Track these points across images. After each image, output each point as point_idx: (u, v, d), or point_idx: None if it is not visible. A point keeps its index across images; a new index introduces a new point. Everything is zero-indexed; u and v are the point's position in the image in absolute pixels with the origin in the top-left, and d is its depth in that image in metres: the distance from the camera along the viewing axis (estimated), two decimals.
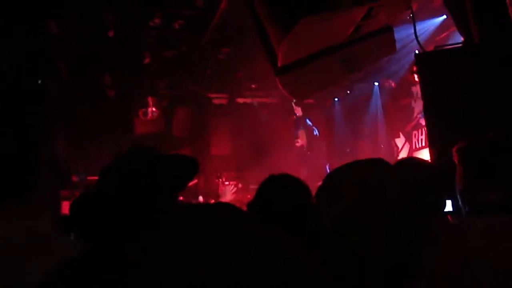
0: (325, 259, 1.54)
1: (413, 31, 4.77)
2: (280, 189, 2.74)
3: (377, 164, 1.86)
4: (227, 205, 1.26)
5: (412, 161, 2.97)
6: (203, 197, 12.15)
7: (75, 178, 4.84)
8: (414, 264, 1.62)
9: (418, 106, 10.41)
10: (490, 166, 2.46)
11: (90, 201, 3.46)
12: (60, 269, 1.22)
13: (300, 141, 14.52)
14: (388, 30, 4.40)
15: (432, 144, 3.97)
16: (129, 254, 1.14)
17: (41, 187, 1.66)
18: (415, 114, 10.64)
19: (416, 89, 10.35)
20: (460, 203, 2.54)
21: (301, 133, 14.61)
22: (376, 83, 12.73)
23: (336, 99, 14.02)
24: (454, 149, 2.62)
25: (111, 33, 8.29)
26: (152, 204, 1.97)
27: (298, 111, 14.39)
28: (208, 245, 1.09)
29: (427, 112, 4.00)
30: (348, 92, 13.45)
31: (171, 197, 2.12)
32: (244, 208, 2.98)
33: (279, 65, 3.97)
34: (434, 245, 2.17)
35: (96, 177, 2.24)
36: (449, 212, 2.62)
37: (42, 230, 1.75)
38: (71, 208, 3.61)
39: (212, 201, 11.40)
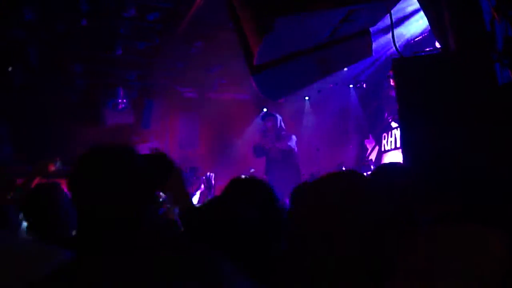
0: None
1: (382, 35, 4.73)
2: (242, 197, 2.63)
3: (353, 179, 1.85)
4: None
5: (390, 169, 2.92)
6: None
7: (52, 168, 4.75)
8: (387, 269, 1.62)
9: (388, 108, 10.46)
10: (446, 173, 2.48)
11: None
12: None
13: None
14: (365, 34, 4.40)
15: (405, 149, 4.00)
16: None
17: None
18: (385, 116, 10.68)
19: (387, 92, 10.41)
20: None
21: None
22: (351, 85, 12.75)
23: (306, 97, 14.02)
24: None
25: (84, 22, 8.14)
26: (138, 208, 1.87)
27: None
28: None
29: (402, 117, 4.02)
30: (319, 91, 13.42)
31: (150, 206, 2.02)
32: None
33: (254, 64, 3.94)
34: (410, 252, 2.19)
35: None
36: None
37: None
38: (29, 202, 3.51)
39: None
